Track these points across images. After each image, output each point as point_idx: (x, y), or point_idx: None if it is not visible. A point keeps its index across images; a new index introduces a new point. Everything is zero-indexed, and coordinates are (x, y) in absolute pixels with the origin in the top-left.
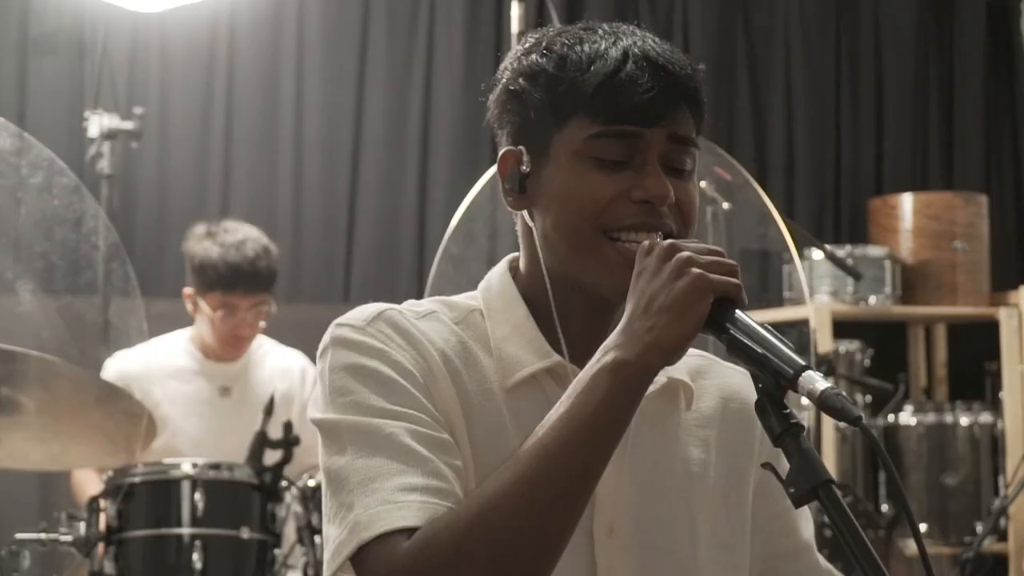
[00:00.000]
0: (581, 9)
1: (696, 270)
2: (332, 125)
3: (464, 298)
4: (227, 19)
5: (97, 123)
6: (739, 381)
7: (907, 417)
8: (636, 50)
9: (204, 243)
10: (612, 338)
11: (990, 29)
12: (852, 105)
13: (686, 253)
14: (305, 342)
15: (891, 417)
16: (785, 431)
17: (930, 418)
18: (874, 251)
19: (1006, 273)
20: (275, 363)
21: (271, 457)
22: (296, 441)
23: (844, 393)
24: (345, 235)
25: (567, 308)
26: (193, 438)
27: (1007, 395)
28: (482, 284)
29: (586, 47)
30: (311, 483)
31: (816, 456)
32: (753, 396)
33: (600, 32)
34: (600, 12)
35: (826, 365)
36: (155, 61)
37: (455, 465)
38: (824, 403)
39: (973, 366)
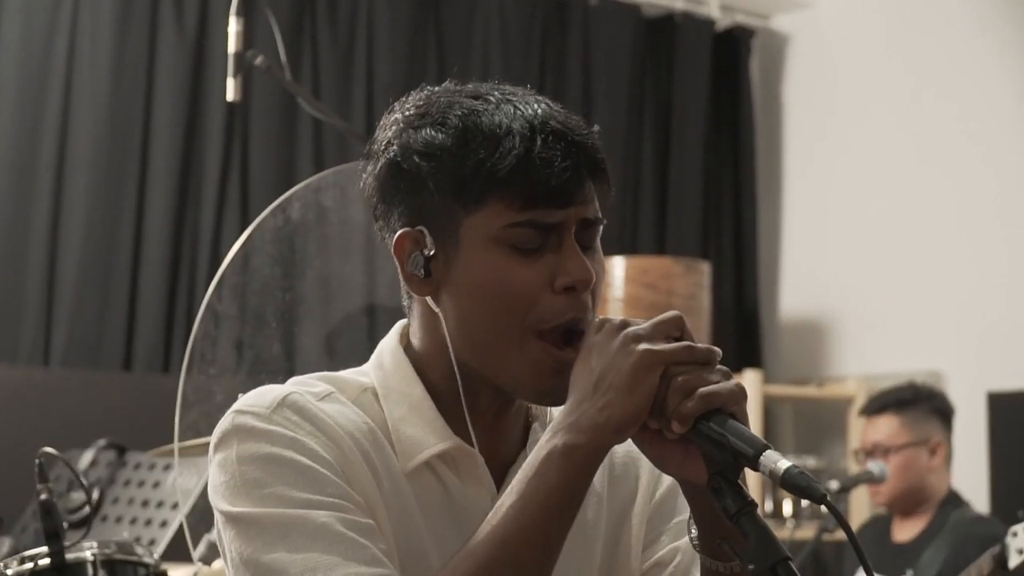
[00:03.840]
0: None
1: (643, 345)
2: None
3: (353, 375)
4: None
5: None
6: None
7: None
8: (539, 121)
9: None
10: (561, 418)
11: (715, 68)
12: None
13: (633, 329)
14: None
15: None
16: (741, 510)
17: None
18: None
19: (727, 354)
20: None
21: None
22: None
23: (808, 472)
24: None
25: (470, 392)
26: None
27: None
28: (373, 361)
29: (484, 120)
30: None
31: (773, 533)
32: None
33: (493, 99)
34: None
35: None
36: None
37: (385, 551)
38: (788, 482)
39: None
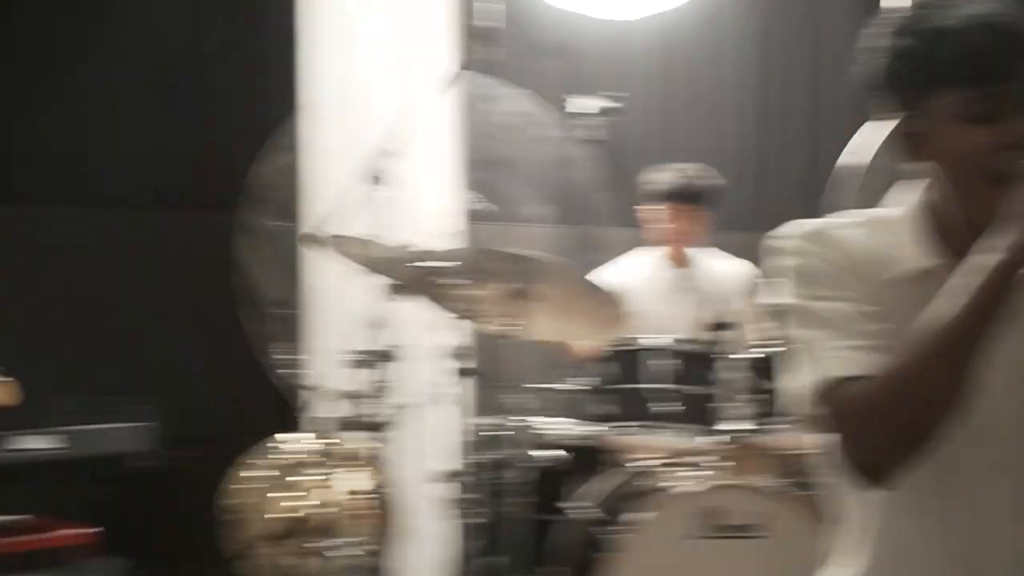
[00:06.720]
0: None
1: None
2: None
3: (881, 210)
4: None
5: (577, 103)
6: None
7: None
8: (994, 19)
9: (663, 175)
10: (1003, 238)
11: None
12: None
13: None
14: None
15: None
16: None
17: None
18: None
19: None
20: (724, 268)
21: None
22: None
23: None
24: None
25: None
26: (655, 320)
27: None
28: (897, 203)
29: (950, 24)
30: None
31: None
32: None
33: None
34: None
35: None
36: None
37: (875, 337)
38: None
39: None
